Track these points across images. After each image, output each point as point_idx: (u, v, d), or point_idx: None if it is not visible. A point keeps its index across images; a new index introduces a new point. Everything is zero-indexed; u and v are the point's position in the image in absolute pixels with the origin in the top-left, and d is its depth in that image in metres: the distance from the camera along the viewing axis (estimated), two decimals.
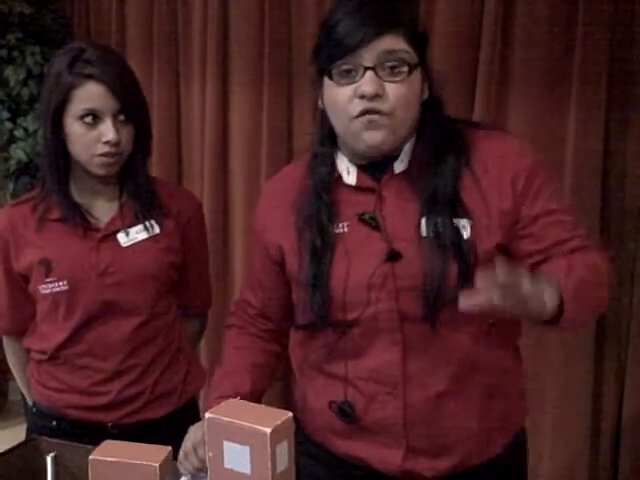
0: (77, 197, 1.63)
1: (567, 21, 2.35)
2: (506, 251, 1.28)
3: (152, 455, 1.18)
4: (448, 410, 1.30)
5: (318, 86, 1.31)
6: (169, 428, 1.62)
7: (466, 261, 1.23)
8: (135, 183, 1.64)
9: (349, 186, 1.33)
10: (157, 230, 1.64)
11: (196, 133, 3.08)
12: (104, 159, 1.56)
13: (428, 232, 1.26)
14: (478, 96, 2.44)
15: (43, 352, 1.66)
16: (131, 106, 1.58)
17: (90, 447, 1.27)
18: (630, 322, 2.42)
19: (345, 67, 1.23)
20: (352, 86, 1.23)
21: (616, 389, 2.48)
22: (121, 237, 1.62)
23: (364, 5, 1.24)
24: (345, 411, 1.33)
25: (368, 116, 1.23)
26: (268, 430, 1.04)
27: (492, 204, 1.27)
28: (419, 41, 1.26)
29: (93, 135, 1.54)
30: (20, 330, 1.71)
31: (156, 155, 3.12)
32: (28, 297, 1.65)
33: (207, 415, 1.09)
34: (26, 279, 1.63)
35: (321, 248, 1.31)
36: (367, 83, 1.21)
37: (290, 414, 1.08)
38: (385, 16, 1.23)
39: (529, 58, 2.40)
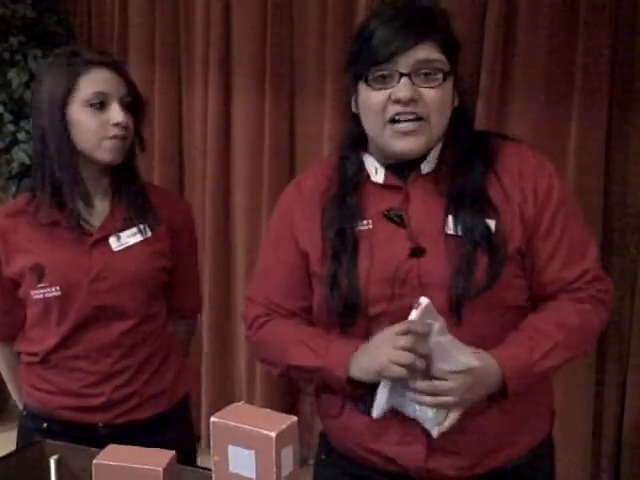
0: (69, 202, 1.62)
1: (569, 22, 2.36)
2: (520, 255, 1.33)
3: (156, 459, 1.17)
4: (469, 410, 1.29)
5: (352, 91, 1.35)
6: (159, 428, 1.66)
7: (497, 255, 1.28)
8: (127, 183, 1.65)
9: (376, 184, 1.37)
10: (148, 234, 1.66)
11: (198, 136, 3.08)
12: (114, 141, 1.57)
13: (455, 229, 1.30)
14: (480, 96, 2.44)
15: (34, 355, 1.67)
16: (135, 92, 1.61)
17: (94, 450, 1.27)
18: (632, 323, 2.42)
19: (381, 73, 1.27)
20: (387, 91, 1.28)
21: (617, 391, 2.48)
22: (113, 241, 1.63)
23: (399, 15, 1.29)
24: (365, 403, 1.33)
25: (403, 124, 1.27)
26: (273, 434, 1.03)
27: (516, 209, 1.32)
28: (452, 50, 1.31)
29: (102, 119, 1.56)
30: (10, 335, 1.71)
31: (157, 158, 3.13)
32: (18, 302, 1.65)
33: (212, 419, 1.09)
34: (16, 284, 1.63)
35: (344, 246, 1.33)
36: (402, 88, 1.26)
37: (295, 418, 1.08)
38: (420, 26, 1.27)
39: (531, 59, 2.40)
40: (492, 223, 1.30)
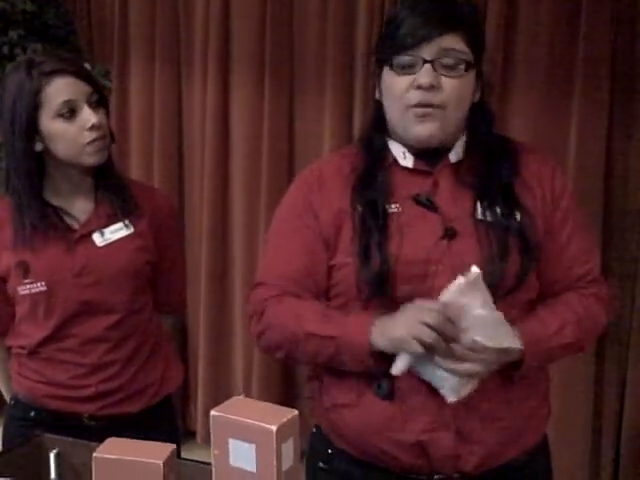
0: (52, 199, 1.64)
1: (570, 21, 2.36)
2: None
3: (156, 453, 1.17)
4: (492, 392, 1.32)
5: (377, 78, 1.39)
6: (144, 423, 1.68)
7: (530, 244, 1.32)
8: (110, 179, 1.67)
9: (404, 169, 1.39)
10: (132, 229, 1.67)
11: (197, 134, 3.08)
12: (95, 144, 1.57)
13: (485, 216, 1.33)
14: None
15: (23, 347, 1.69)
16: (99, 88, 1.62)
17: (94, 444, 1.27)
18: (631, 322, 2.43)
19: (406, 59, 1.31)
20: (410, 77, 1.31)
21: (617, 390, 2.48)
22: (96, 237, 1.65)
23: (429, 5, 1.33)
24: (390, 390, 1.33)
25: (422, 109, 1.29)
26: (274, 428, 1.03)
27: (538, 206, 1.36)
28: (477, 45, 1.35)
29: (76, 126, 1.56)
30: (0, 330, 1.72)
31: (157, 156, 3.13)
32: (7, 298, 1.67)
33: (212, 412, 1.09)
34: (4, 280, 1.65)
35: (376, 221, 1.34)
36: (424, 74, 1.29)
37: (295, 412, 1.08)
38: (448, 17, 1.32)
39: (532, 57, 2.41)
40: (517, 215, 1.35)
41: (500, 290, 1.29)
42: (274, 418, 1.05)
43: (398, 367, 1.26)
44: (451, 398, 1.28)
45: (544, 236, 1.37)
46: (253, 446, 1.05)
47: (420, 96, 1.30)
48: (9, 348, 1.75)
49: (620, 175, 2.42)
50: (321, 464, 1.47)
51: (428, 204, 1.35)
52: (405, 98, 1.32)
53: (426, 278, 1.31)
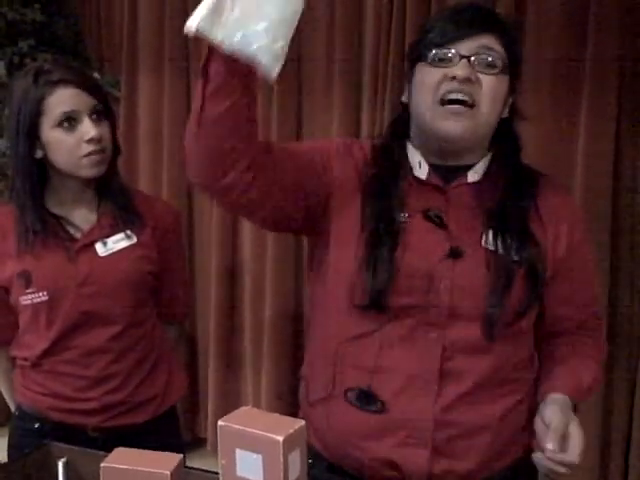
0: (55, 209, 1.64)
1: (577, 20, 2.35)
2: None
3: (164, 463, 1.17)
4: (476, 411, 1.31)
5: (409, 79, 1.35)
6: (148, 434, 1.68)
7: (538, 281, 1.30)
8: (113, 191, 1.67)
9: (417, 179, 1.35)
10: (134, 239, 1.67)
11: None
12: (92, 158, 1.57)
13: (496, 245, 1.29)
14: None
15: (26, 359, 1.70)
16: (104, 101, 1.61)
17: (102, 453, 1.27)
18: None
19: (443, 52, 1.27)
20: (445, 69, 1.27)
21: (627, 392, 2.47)
22: (99, 247, 1.65)
23: (467, 10, 1.31)
24: (367, 398, 1.32)
25: (455, 106, 1.26)
26: (281, 438, 1.03)
27: (549, 245, 1.33)
28: (514, 51, 1.32)
29: (75, 137, 1.57)
30: (3, 340, 1.74)
31: (166, 165, 3.13)
32: (10, 308, 1.68)
33: (220, 423, 1.09)
34: (7, 291, 1.66)
35: (384, 235, 1.31)
36: (461, 67, 1.26)
37: (303, 422, 1.08)
38: (486, 18, 1.30)
39: (539, 60, 2.40)
40: (530, 251, 1.31)
41: (498, 323, 1.28)
42: (281, 429, 1.05)
43: None
44: None
45: (555, 275, 1.35)
46: (260, 456, 1.05)
47: (452, 87, 1.26)
48: (14, 358, 1.75)
49: (629, 175, 2.39)
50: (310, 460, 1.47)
51: (437, 221, 1.31)
52: (437, 91, 1.27)
53: (428, 293, 1.29)
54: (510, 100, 1.35)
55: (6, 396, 1.84)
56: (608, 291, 2.39)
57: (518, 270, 1.29)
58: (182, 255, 1.88)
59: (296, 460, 1.06)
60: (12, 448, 1.75)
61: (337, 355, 1.37)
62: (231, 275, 3.08)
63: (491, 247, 1.30)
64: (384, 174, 1.36)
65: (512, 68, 1.32)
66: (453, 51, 1.27)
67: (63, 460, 1.39)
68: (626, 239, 2.42)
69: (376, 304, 1.29)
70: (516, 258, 1.29)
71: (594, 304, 1.49)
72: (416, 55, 1.33)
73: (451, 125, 1.27)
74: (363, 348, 1.33)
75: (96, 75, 3.02)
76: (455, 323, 1.29)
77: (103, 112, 1.61)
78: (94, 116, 1.58)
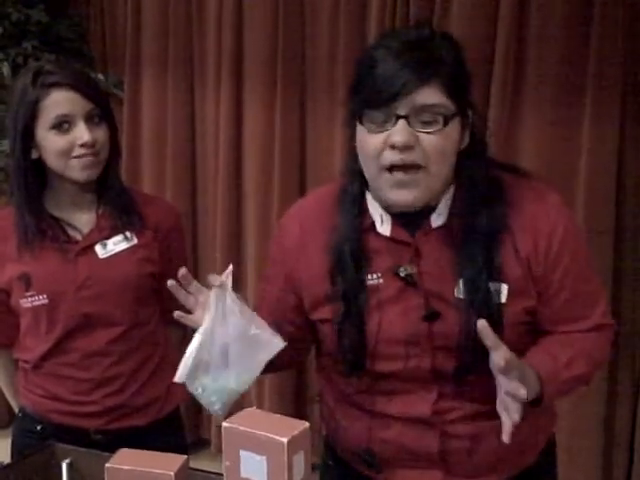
0: (54, 211, 1.64)
1: (581, 28, 2.35)
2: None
3: (168, 464, 1.18)
4: (484, 434, 1.29)
5: (352, 126, 1.26)
6: (152, 436, 1.66)
7: (496, 327, 1.18)
8: (112, 193, 1.66)
9: (382, 236, 1.28)
10: (135, 241, 1.66)
11: (210, 144, 3.09)
12: (82, 160, 1.57)
13: (465, 294, 1.24)
14: (493, 100, 2.44)
15: (27, 362, 1.69)
16: (102, 104, 1.60)
17: (106, 454, 1.28)
18: None
19: (378, 114, 1.19)
20: (383, 135, 1.18)
21: (630, 397, 2.47)
22: (99, 249, 1.64)
23: (406, 50, 1.18)
24: (367, 461, 1.34)
25: (399, 174, 1.19)
26: (285, 440, 1.04)
27: (528, 268, 1.25)
28: (458, 88, 1.21)
29: (68, 140, 1.56)
30: (5, 343, 1.74)
31: (169, 166, 3.14)
32: (11, 311, 1.67)
33: (224, 424, 1.09)
34: (7, 293, 1.65)
35: (355, 298, 1.27)
36: (398, 132, 1.17)
37: (307, 424, 1.08)
38: (425, 66, 1.17)
39: (542, 61, 2.40)
40: (503, 287, 1.24)
41: (475, 363, 1.23)
42: (285, 430, 1.05)
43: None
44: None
45: (541, 294, 1.27)
46: (264, 458, 1.06)
47: (395, 156, 1.17)
48: (16, 361, 1.75)
49: (633, 175, 2.39)
50: (331, 462, 1.49)
51: (409, 279, 1.25)
52: (379, 159, 1.19)
53: (408, 358, 1.26)
54: (467, 131, 1.25)
55: (9, 398, 1.84)
56: (611, 296, 2.38)
57: (483, 315, 1.20)
58: (184, 255, 1.86)
59: (300, 462, 1.06)
60: (15, 450, 1.74)
61: (343, 397, 1.39)
62: (235, 276, 3.08)
63: (462, 296, 1.24)
64: (347, 232, 1.29)
65: (460, 106, 1.21)
66: (389, 112, 1.17)
67: (67, 461, 1.40)
68: (629, 242, 2.42)
69: (355, 370, 1.30)
70: (480, 305, 1.22)
71: (590, 317, 1.32)
72: (353, 108, 1.24)
73: (401, 195, 1.20)
74: (362, 396, 1.34)
75: (100, 76, 3.03)
76: (441, 378, 1.28)
77: (100, 116, 1.60)
78: (90, 120, 1.58)
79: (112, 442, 1.48)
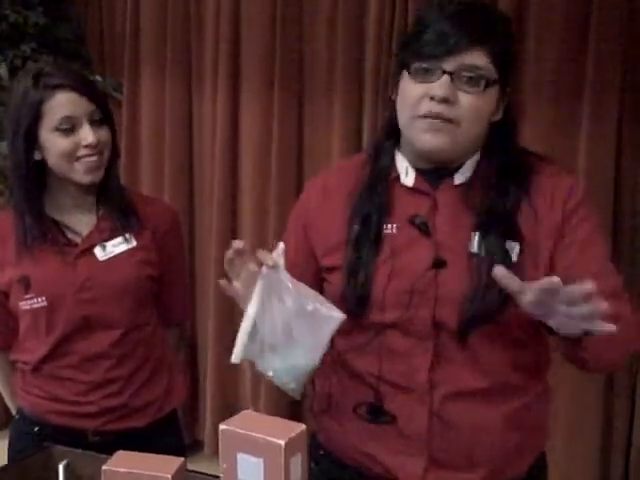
0: (54, 213, 1.64)
1: (580, 27, 2.36)
2: None
3: (165, 466, 1.18)
4: (474, 424, 1.30)
5: (396, 78, 1.33)
6: (149, 438, 1.66)
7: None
8: (112, 195, 1.66)
9: (405, 187, 1.34)
10: (133, 243, 1.66)
11: (207, 145, 3.09)
12: (87, 163, 1.57)
13: (479, 249, 1.27)
14: None
15: (26, 363, 1.69)
16: (103, 106, 1.61)
17: (103, 456, 1.27)
18: None
19: (425, 66, 1.26)
20: (426, 85, 1.26)
21: (627, 401, 2.47)
22: (98, 251, 1.64)
23: (459, 13, 1.26)
24: (376, 412, 1.33)
25: (431, 120, 1.25)
26: (282, 442, 1.04)
27: (544, 238, 1.28)
28: (504, 60, 1.28)
29: (72, 141, 1.56)
30: (3, 345, 1.73)
31: (167, 167, 3.14)
32: (10, 313, 1.67)
33: (221, 427, 1.09)
34: (6, 295, 1.65)
35: (368, 245, 1.31)
36: (441, 86, 1.24)
37: (304, 426, 1.08)
38: (478, 29, 1.25)
39: (540, 60, 2.40)
40: (517, 247, 1.27)
41: (478, 319, 1.25)
42: (283, 433, 1.06)
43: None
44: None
45: (557, 245, 1.28)
46: (261, 460, 1.06)
47: (432, 107, 1.24)
48: (14, 362, 1.75)
49: (630, 175, 2.39)
50: (312, 464, 1.46)
51: (423, 228, 1.30)
52: (417, 107, 1.26)
53: (409, 308, 1.28)
54: (503, 104, 1.32)
55: (7, 399, 1.84)
56: None
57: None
58: (182, 256, 1.87)
59: (297, 464, 1.06)
60: (12, 451, 1.74)
61: (336, 366, 1.39)
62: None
63: (476, 251, 1.28)
64: (370, 186, 1.35)
65: (503, 77, 1.28)
66: (436, 65, 1.24)
67: (64, 463, 1.39)
68: (627, 241, 2.43)
69: (355, 317, 1.30)
70: (500, 262, 1.21)
71: (612, 276, 1.31)
72: (402, 60, 1.31)
73: (429, 138, 1.26)
74: (364, 360, 1.34)
75: (98, 78, 3.03)
76: (440, 333, 1.28)
77: (102, 117, 1.60)
78: (93, 121, 1.58)
79: (110, 444, 1.48)
